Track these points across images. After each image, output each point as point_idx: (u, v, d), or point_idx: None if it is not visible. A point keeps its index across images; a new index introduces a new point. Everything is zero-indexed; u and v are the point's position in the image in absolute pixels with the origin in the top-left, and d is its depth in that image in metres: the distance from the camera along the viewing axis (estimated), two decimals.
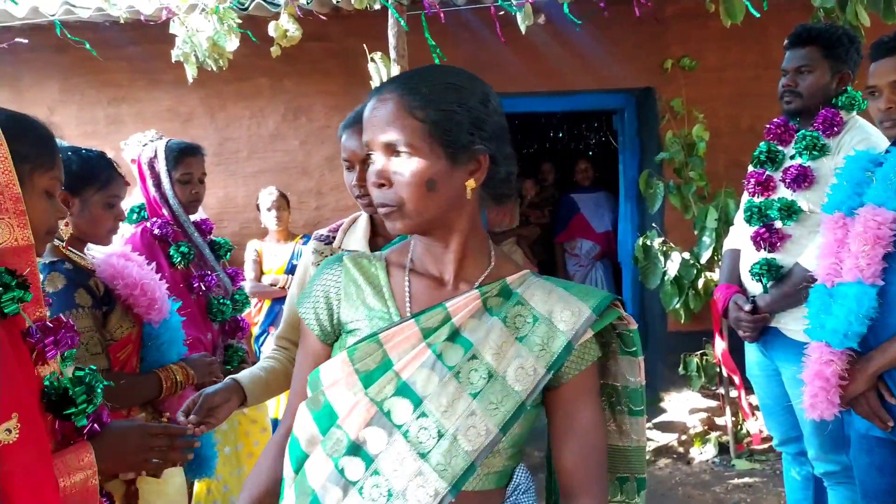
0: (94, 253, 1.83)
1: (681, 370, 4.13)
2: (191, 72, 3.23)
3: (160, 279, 1.83)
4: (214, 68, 3.26)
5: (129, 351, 1.72)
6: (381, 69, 3.45)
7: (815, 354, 1.82)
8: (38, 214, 1.21)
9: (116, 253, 1.83)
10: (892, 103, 1.82)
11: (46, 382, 1.15)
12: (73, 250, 1.75)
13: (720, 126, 4.36)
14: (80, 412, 1.16)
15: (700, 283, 4.02)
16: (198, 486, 2.19)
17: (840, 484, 2.27)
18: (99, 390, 1.20)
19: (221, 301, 2.22)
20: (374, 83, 3.49)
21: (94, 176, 1.74)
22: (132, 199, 2.47)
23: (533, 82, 4.48)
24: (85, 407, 1.17)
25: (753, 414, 3.76)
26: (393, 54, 3.27)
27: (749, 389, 3.92)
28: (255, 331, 3.76)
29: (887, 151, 1.88)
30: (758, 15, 3.24)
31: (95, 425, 1.22)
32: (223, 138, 4.40)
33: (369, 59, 3.48)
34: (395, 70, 3.27)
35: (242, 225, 4.38)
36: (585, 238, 5.34)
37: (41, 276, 1.59)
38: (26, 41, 3.83)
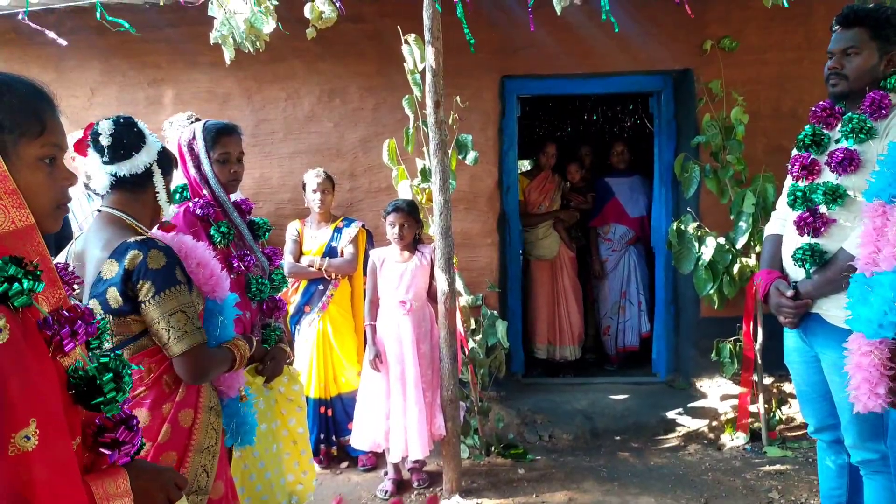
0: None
1: (713, 356, 4.10)
2: (228, 54, 3.27)
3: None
4: (252, 50, 3.29)
5: None
6: (414, 51, 3.45)
7: (855, 346, 1.79)
8: (35, 188, 1.08)
9: (175, 234, 1.89)
10: None
11: (71, 371, 1.08)
12: (144, 228, 1.77)
13: (760, 109, 4.27)
14: (110, 401, 1.09)
15: (735, 268, 3.96)
16: (234, 459, 2.25)
17: (877, 473, 2.24)
18: (127, 377, 1.14)
19: (260, 280, 2.26)
20: (408, 65, 3.50)
21: (169, 159, 1.87)
22: (175, 180, 2.52)
23: (568, 64, 4.43)
24: (114, 395, 1.10)
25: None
26: (427, 36, 3.27)
27: (785, 376, 3.89)
28: (291, 310, 3.82)
29: None
30: None
31: (123, 454, 1.15)
32: (259, 119, 4.45)
33: (403, 40, 3.48)
34: (429, 52, 3.27)
35: (278, 206, 4.43)
36: (619, 223, 5.29)
37: (140, 255, 1.61)
38: (65, 42, 3.90)
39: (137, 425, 1.19)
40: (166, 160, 1.82)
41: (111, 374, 1.10)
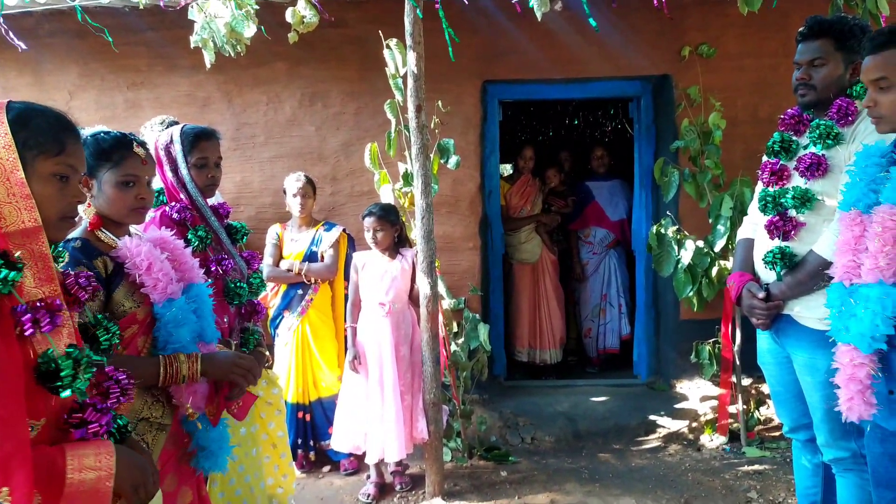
0: (137, 232, 1.89)
1: (692, 358, 4.14)
2: (208, 57, 3.26)
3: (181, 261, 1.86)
4: (232, 54, 3.28)
5: (133, 331, 1.74)
6: (396, 56, 3.47)
7: (846, 359, 1.82)
8: (46, 199, 1.28)
9: (152, 235, 1.87)
10: (871, 102, 1.85)
11: (41, 359, 1.22)
12: (104, 230, 1.79)
13: (737, 115, 4.32)
14: (67, 385, 1.22)
15: (714, 271, 4.01)
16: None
17: (848, 471, 2.28)
18: (84, 364, 1.26)
19: (238, 284, 2.25)
20: (390, 70, 3.51)
21: (105, 156, 1.77)
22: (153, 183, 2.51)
23: (549, 69, 4.46)
24: (70, 381, 1.22)
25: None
26: (409, 41, 3.28)
27: (762, 377, 3.93)
28: (271, 313, 3.81)
29: None
30: (775, 3, 3.21)
31: (106, 425, 1.29)
32: (240, 123, 4.44)
33: (385, 45, 3.49)
34: (411, 57, 3.28)
35: (259, 210, 4.42)
36: (599, 226, 5.34)
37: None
38: (25, 47, 3.86)
39: (107, 410, 1.32)
40: None
41: (70, 361, 1.23)
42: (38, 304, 1.22)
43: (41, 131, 1.29)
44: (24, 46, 3.59)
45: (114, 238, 1.78)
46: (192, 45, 3.25)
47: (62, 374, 1.21)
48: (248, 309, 2.32)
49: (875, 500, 2.02)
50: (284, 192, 3.86)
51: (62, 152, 1.31)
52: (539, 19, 3.10)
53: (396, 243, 3.55)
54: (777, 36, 4.30)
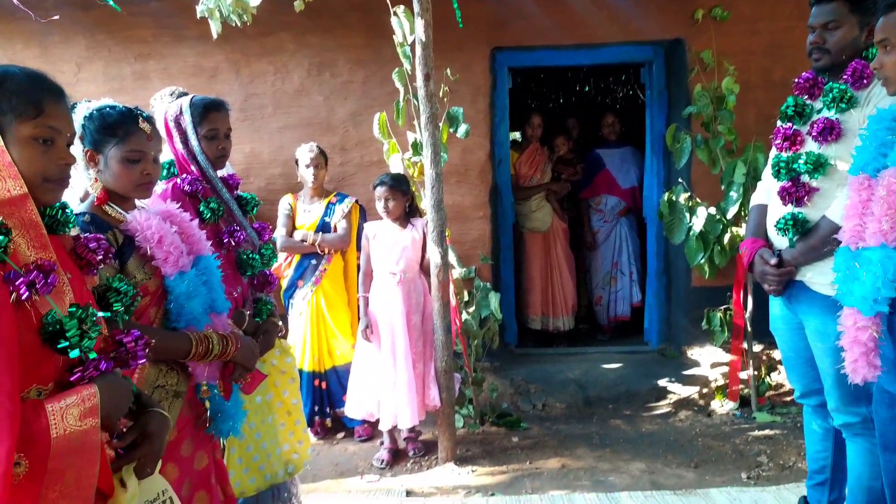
0: (143, 205, 1.89)
1: (704, 325, 4.14)
2: (215, 27, 3.24)
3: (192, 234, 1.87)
4: (238, 24, 3.26)
5: (145, 302, 1.76)
6: (403, 23, 3.42)
7: (850, 322, 1.82)
8: (26, 163, 1.25)
9: (158, 207, 1.88)
10: (878, 64, 1.81)
11: (44, 321, 1.21)
12: (112, 205, 1.80)
13: (751, 79, 4.26)
14: (75, 346, 1.21)
15: (726, 238, 3.99)
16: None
17: (858, 435, 2.29)
18: (91, 323, 1.25)
19: (250, 255, 2.27)
20: (398, 38, 3.47)
21: (111, 131, 1.77)
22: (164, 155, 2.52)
23: (558, 35, 4.40)
24: (77, 339, 1.22)
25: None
26: (416, 8, 3.24)
27: (774, 343, 3.94)
28: (284, 284, 3.84)
29: None
30: None
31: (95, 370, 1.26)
32: (248, 94, 4.42)
33: (392, 13, 3.45)
34: (419, 24, 3.24)
35: (269, 180, 4.43)
36: (610, 194, 5.30)
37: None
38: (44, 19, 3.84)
39: (101, 362, 1.29)
40: None
41: (76, 321, 1.22)
42: (31, 266, 1.21)
43: (14, 94, 1.25)
44: (34, 15, 3.57)
45: (122, 212, 1.79)
46: (199, 15, 3.22)
47: (68, 333, 1.20)
48: (260, 280, 2.34)
49: (883, 464, 2.03)
50: (296, 163, 3.86)
51: (40, 114, 1.26)
52: None
53: (407, 213, 3.55)
54: None
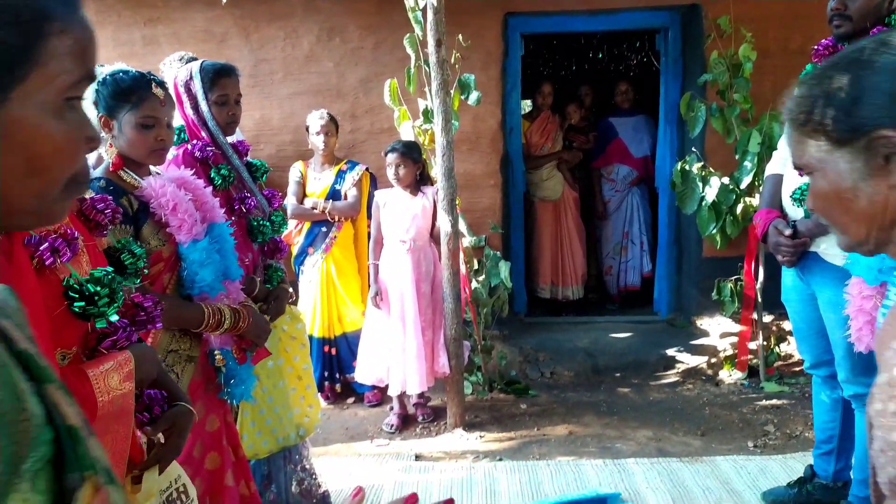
0: (157, 171, 1.90)
1: (714, 295, 4.14)
2: None
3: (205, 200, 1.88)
4: None
5: (160, 268, 1.78)
6: None
7: (856, 290, 1.84)
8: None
9: (172, 174, 1.88)
10: None
11: (67, 284, 1.16)
12: (127, 170, 1.80)
13: (769, 47, 4.17)
14: (102, 313, 1.19)
15: (739, 208, 3.96)
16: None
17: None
18: (119, 291, 1.23)
19: (261, 222, 2.27)
20: (409, 2, 3.42)
21: (124, 97, 1.76)
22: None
23: (572, 0, 4.32)
24: (107, 303, 1.19)
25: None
26: None
27: (784, 314, 3.93)
28: (295, 251, 3.86)
29: None
30: None
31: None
32: (258, 59, 4.38)
33: None
34: None
35: (279, 147, 4.41)
36: (623, 163, 5.26)
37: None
38: None
39: (133, 333, 1.29)
40: None
41: (106, 289, 1.19)
42: (54, 234, 1.16)
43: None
44: None
45: (136, 178, 1.80)
46: None
47: (98, 299, 1.17)
48: (270, 247, 2.35)
49: None
50: (307, 130, 3.84)
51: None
52: None
53: (418, 181, 3.54)
54: None
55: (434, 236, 3.53)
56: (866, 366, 2.21)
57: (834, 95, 0.84)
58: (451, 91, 3.41)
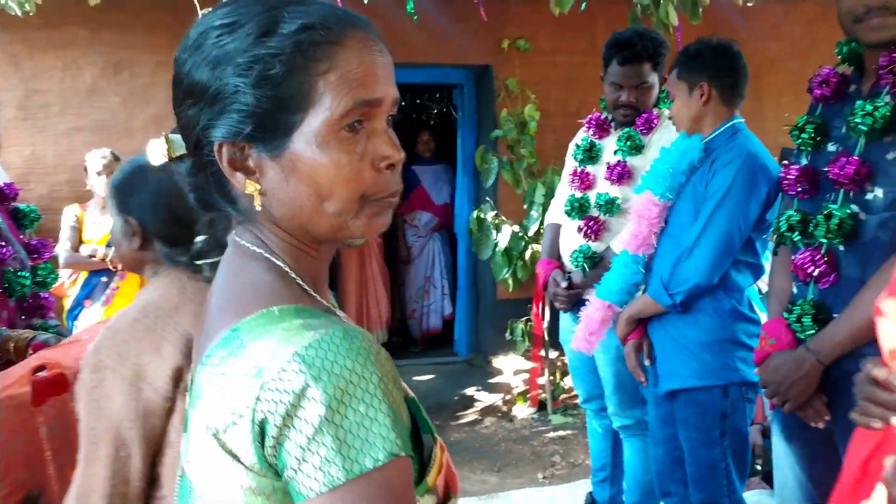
0: None
1: (508, 335, 4.41)
2: None
3: None
4: (18, 13, 2.92)
5: None
6: None
7: (591, 306, 2.25)
8: None
9: None
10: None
11: None
12: None
13: (550, 107, 4.60)
14: None
15: (527, 254, 4.29)
16: None
17: (634, 436, 2.58)
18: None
19: (19, 275, 2.00)
20: None
21: None
22: None
23: None
24: None
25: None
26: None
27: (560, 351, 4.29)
28: (68, 304, 3.48)
29: None
30: (584, 6, 3.46)
31: None
32: (30, 90, 3.96)
33: (200, 13, 3.29)
34: None
35: (53, 187, 3.99)
36: (425, 210, 5.46)
37: None
38: None
39: None
40: None
41: None
42: None
43: None
44: None
45: None
46: None
47: None
48: (31, 304, 2.06)
49: (651, 457, 2.33)
50: (86, 170, 3.52)
51: None
52: (365, 2, 3.09)
53: None
54: (585, 35, 4.63)
55: None
56: (632, 400, 2.50)
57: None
58: None
